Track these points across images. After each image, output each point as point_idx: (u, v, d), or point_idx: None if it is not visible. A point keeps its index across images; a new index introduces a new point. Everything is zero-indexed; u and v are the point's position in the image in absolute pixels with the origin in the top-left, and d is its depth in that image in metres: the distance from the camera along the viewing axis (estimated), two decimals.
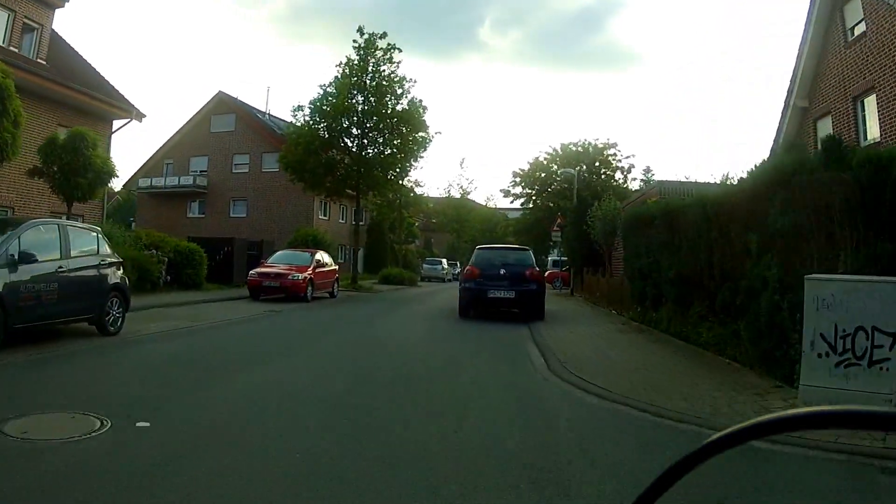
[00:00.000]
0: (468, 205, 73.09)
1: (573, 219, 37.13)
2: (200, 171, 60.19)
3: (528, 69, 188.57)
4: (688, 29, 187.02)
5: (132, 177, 63.08)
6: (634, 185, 54.08)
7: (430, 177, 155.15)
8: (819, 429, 0.90)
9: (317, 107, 37.09)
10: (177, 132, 62.41)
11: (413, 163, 38.75)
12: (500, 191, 60.06)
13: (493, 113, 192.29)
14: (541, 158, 56.79)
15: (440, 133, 40.79)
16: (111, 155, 26.84)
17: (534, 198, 56.34)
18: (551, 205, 52.57)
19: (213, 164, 59.89)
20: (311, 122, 37.35)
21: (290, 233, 46.62)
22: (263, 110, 62.37)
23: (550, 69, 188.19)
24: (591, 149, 54.54)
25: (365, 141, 37.63)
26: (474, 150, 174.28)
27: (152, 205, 61.34)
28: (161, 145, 63.26)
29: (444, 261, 62.76)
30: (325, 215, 57.90)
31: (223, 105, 60.21)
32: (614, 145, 54.72)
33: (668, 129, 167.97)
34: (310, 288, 27.12)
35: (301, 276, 26.78)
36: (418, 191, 50.41)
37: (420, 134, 37.92)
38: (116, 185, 47.71)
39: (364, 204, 51.07)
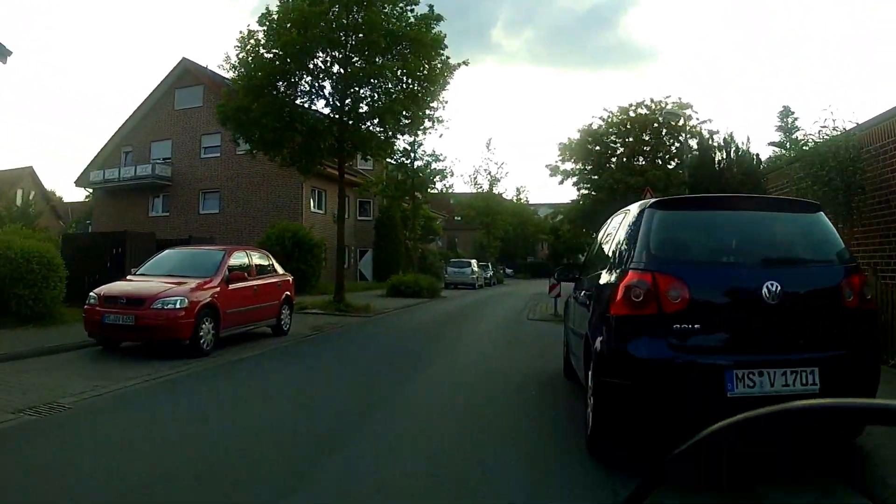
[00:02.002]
0: (497, 197, 58.03)
1: (698, 181, 21.12)
2: (164, 159, 45.78)
3: (542, 69, 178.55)
4: (700, 23, 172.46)
5: (85, 169, 48.79)
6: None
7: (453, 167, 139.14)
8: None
9: (272, 23, 21.80)
10: (135, 112, 47.81)
11: (427, 108, 23.36)
12: (547, 167, 43.39)
13: (511, 114, 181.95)
14: (594, 125, 41.28)
15: (466, 63, 20.86)
16: None
17: (591, 176, 40.81)
18: (614, 185, 37.23)
19: (177, 149, 45.61)
20: (260, 49, 22.10)
21: None
22: None
23: (564, 69, 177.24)
24: (661, 110, 39.08)
25: (348, 69, 22.21)
26: (493, 152, 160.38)
27: (109, 203, 47.27)
28: (117, 129, 48.73)
29: (474, 262, 47.47)
30: (319, 208, 43.14)
31: (189, 76, 45.78)
32: (688, 106, 39.10)
33: None
34: (206, 324, 12.13)
35: (181, 300, 11.81)
36: (438, 184, 36.25)
37: (435, 62, 22.65)
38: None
39: (366, 185, 36.24)
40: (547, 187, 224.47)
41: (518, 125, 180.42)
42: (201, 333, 11.93)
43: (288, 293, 15.75)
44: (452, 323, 19.85)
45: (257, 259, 14.93)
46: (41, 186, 61.66)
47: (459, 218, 74.05)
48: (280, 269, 15.98)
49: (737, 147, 19.54)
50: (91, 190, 51.27)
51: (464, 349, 13.86)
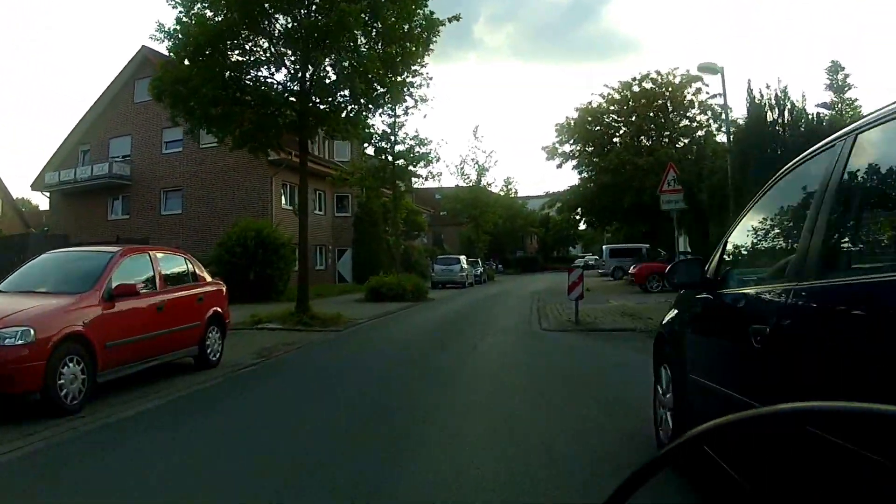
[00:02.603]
0: (485, 190, 53.88)
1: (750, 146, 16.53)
2: (123, 157, 41.43)
3: (525, 64, 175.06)
4: (683, 13, 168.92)
5: (42, 170, 44.41)
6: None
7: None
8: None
9: None
10: (93, 107, 43.36)
11: (407, 73, 19.14)
12: (543, 150, 38.78)
13: (495, 110, 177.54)
14: (594, 104, 37.05)
15: (458, 19, 16.57)
16: None
17: (594, 157, 36.55)
18: (621, 166, 33.08)
19: (138, 145, 41.17)
20: (197, 5, 17.78)
21: None
22: None
23: (548, 62, 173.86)
24: (669, 84, 34.91)
25: (308, 22, 17.85)
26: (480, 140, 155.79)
27: (67, 207, 42.83)
28: (74, 127, 44.28)
29: (463, 258, 43.15)
30: (291, 204, 38.78)
31: (149, 65, 40.59)
32: (698, 79, 34.85)
33: None
34: (70, 366, 7.81)
35: (24, 331, 7.54)
36: (422, 171, 31.84)
37: (415, 20, 18.44)
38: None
39: (340, 175, 31.85)
40: (536, 183, 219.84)
41: (503, 121, 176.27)
42: (62, 381, 7.62)
43: (218, 309, 11.36)
44: (445, 341, 14.75)
45: (168, 264, 10.61)
46: (6, 191, 57.12)
47: (445, 212, 69.95)
48: (207, 277, 11.77)
49: (792, 104, 15.53)
50: (49, 193, 46.88)
51: (471, 400, 8.46)
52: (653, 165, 30.94)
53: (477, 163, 52.09)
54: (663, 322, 5.73)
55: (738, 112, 24.29)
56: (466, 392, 9.06)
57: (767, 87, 15.75)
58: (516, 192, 70.94)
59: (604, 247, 48.46)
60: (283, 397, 9.09)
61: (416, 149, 27.81)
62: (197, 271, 11.35)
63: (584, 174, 37.70)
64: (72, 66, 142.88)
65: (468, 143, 79.20)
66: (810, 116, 15.48)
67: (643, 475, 0.99)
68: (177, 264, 10.99)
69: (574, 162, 38.08)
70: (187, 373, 10.64)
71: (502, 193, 61.87)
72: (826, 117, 18.26)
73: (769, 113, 15.25)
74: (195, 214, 37.91)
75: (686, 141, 34.02)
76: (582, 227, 64.37)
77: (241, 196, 36.64)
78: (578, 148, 37.19)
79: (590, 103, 37.02)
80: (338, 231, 42.55)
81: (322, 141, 43.05)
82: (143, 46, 42.01)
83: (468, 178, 52.28)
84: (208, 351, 11.10)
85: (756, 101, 15.27)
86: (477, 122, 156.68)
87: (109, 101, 42.17)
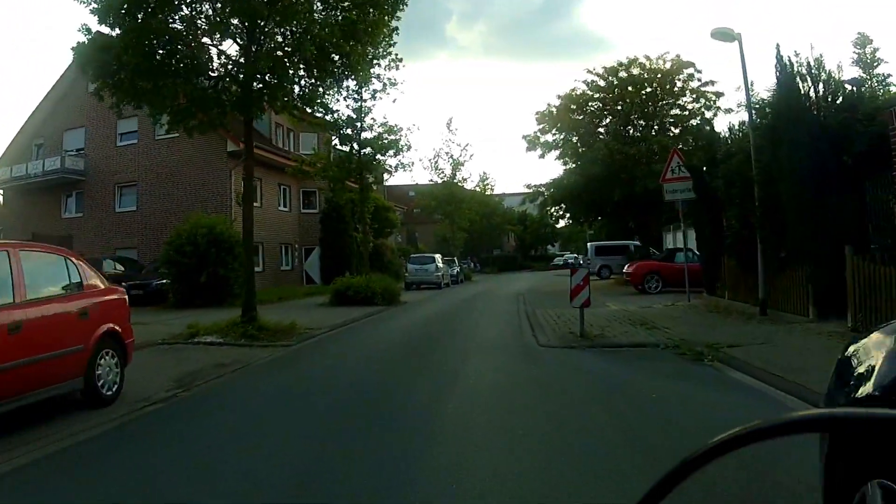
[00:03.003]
0: (459, 186, 51.08)
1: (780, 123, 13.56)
2: (76, 150, 38.30)
3: (497, 62, 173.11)
4: (653, 10, 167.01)
5: None
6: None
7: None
8: (824, 432, 0.89)
9: None
10: (46, 97, 40.19)
11: (371, 43, 16.34)
12: (524, 139, 35.72)
13: (467, 109, 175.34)
14: (577, 90, 34.24)
15: None
16: None
17: (580, 147, 33.67)
18: (610, 156, 30.41)
19: (92, 138, 37.97)
20: None
21: None
22: None
23: (520, 60, 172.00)
24: (658, 70, 32.19)
25: None
26: (455, 133, 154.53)
27: (20, 205, 39.40)
28: (27, 119, 41.04)
29: (438, 257, 40.22)
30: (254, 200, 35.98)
31: None
32: (691, 65, 32.24)
33: None
34: None
35: None
36: (392, 161, 28.74)
37: None
38: None
39: (301, 164, 28.83)
40: (513, 181, 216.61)
41: (477, 119, 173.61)
42: None
43: (113, 327, 8.52)
44: (417, 364, 11.56)
45: (38, 268, 7.72)
46: None
47: (420, 210, 67.20)
48: (102, 284, 8.97)
49: (828, 74, 12.89)
50: (1, 191, 43.55)
51: (457, 469, 5.47)
52: (643, 154, 28.43)
53: (451, 157, 49.44)
54: (856, 395, 2.90)
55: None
56: (449, 476, 5.36)
57: (796, 54, 13.17)
58: (492, 189, 68.40)
59: (588, 244, 45.56)
60: (176, 464, 6.21)
61: (385, 136, 25.00)
62: (84, 277, 8.47)
63: (570, 165, 34.82)
64: (25, 54, 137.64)
65: (442, 137, 75.85)
66: (848, 90, 12.89)
67: (669, 483, 0.98)
68: (52, 268, 8.08)
69: (557, 152, 35.28)
70: (72, 413, 7.86)
71: (478, 189, 59.12)
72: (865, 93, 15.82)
73: (801, 84, 12.65)
74: (151, 211, 34.90)
75: (677, 131, 31.46)
76: (562, 223, 61.82)
77: (198, 191, 33.70)
78: (562, 137, 34.35)
79: (573, 90, 34.21)
80: (305, 229, 39.60)
81: (287, 133, 40.16)
82: (96, 32, 39.03)
83: (442, 172, 49.64)
84: (100, 383, 8.22)
85: (787, 68, 12.60)
86: (450, 117, 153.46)
87: (63, 92, 38.89)
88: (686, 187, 17.58)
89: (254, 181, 18.15)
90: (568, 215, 38.84)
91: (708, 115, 30.66)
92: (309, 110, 18.57)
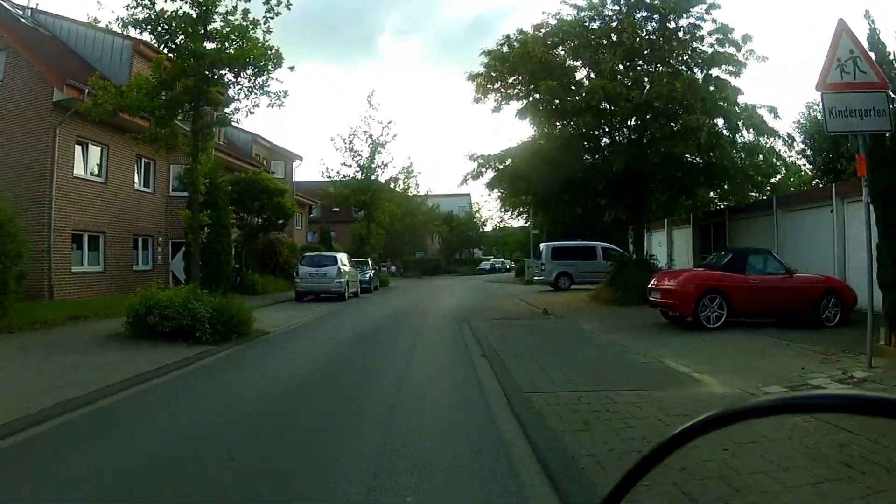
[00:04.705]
0: (376, 183, 41.05)
1: None
2: None
3: (431, 73, 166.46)
4: None
5: None
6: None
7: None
8: (783, 414, 0.90)
9: None
10: None
11: None
12: (469, 80, 23.64)
13: (400, 119, 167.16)
14: (530, 33, 23.32)
15: None
16: None
17: (552, 100, 22.02)
18: (609, 103, 20.19)
19: None
20: None
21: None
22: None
23: (453, 71, 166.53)
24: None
25: None
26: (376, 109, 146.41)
27: None
28: None
29: (343, 257, 29.83)
30: (95, 172, 25.67)
31: None
32: None
33: None
34: None
35: None
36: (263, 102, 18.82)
37: None
38: None
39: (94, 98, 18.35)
40: (446, 183, 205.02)
41: (409, 127, 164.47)
42: None
43: None
44: None
45: None
46: None
47: (338, 209, 57.21)
48: None
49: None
50: None
51: None
52: (653, 100, 18.98)
53: (370, 136, 39.64)
54: None
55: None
56: None
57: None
58: (417, 185, 58.60)
59: (542, 245, 35.46)
60: None
61: (242, 43, 14.74)
62: None
63: (541, 127, 24.14)
64: None
65: (361, 113, 62.73)
66: None
67: (635, 475, 0.99)
68: None
69: (521, 104, 23.79)
70: None
71: (401, 178, 47.79)
72: None
73: None
74: None
75: (701, 74, 21.45)
76: (517, 222, 51.68)
77: (14, 158, 23.18)
78: (523, 83, 23.49)
79: (542, 25, 23.48)
80: (175, 217, 29.33)
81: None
82: None
83: (358, 155, 39.79)
84: None
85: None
86: (372, 90, 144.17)
87: None
88: (874, 105, 8.30)
89: None
90: (526, 204, 27.20)
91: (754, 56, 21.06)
92: None
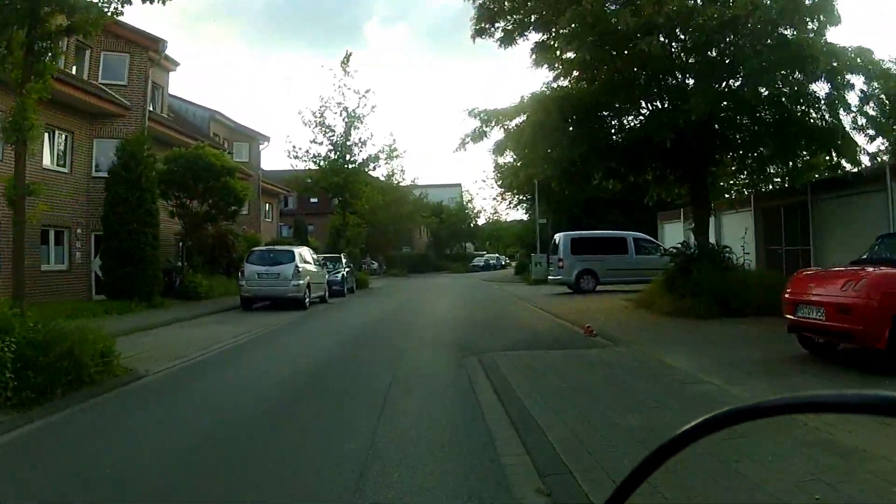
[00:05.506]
0: (354, 170, 34.42)
1: None
2: None
3: (417, 60, 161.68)
4: None
5: None
6: None
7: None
8: (797, 413, 0.87)
9: None
10: None
11: None
12: (474, 18, 16.71)
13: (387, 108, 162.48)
14: None
15: None
16: None
17: (591, 22, 15.27)
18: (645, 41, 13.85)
19: None
20: None
21: None
22: None
23: (444, 60, 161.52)
24: None
25: None
26: (352, 77, 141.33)
27: None
28: None
29: (305, 253, 23.20)
30: (58, 162, 20.43)
31: None
32: None
33: None
34: None
35: None
36: None
37: None
38: None
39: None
40: (437, 174, 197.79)
41: (396, 116, 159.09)
42: None
43: None
44: None
45: None
46: None
47: (316, 200, 51.03)
48: None
49: None
50: None
51: None
52: (747, 11, 12.52)
53: (345, 109, 33.19)
54: None
55: None
56: None
57: None
58: (402, 171, 52.20)
59: (559, 236, 27.77)
60: None
61: None
62: None
63: (581, 55, 15.89)
64: None
65: (334, 81, 48.43)
66: None
67: (636, 476, 0.97)
68: None
69: (542, 36, 17.58)
70: None
71: (382, 159, 40.19)
72: None
73: None
74: None
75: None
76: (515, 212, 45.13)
77: None
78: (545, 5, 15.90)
79: None
80: (97, 204, 22.96)
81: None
82: None
83: (331, 131, 33.34)
84: None
85: None
86: (348, 52, 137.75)
87: None
88: None
89: None
90: (546, 176, 19.27)
91: None
92: None
